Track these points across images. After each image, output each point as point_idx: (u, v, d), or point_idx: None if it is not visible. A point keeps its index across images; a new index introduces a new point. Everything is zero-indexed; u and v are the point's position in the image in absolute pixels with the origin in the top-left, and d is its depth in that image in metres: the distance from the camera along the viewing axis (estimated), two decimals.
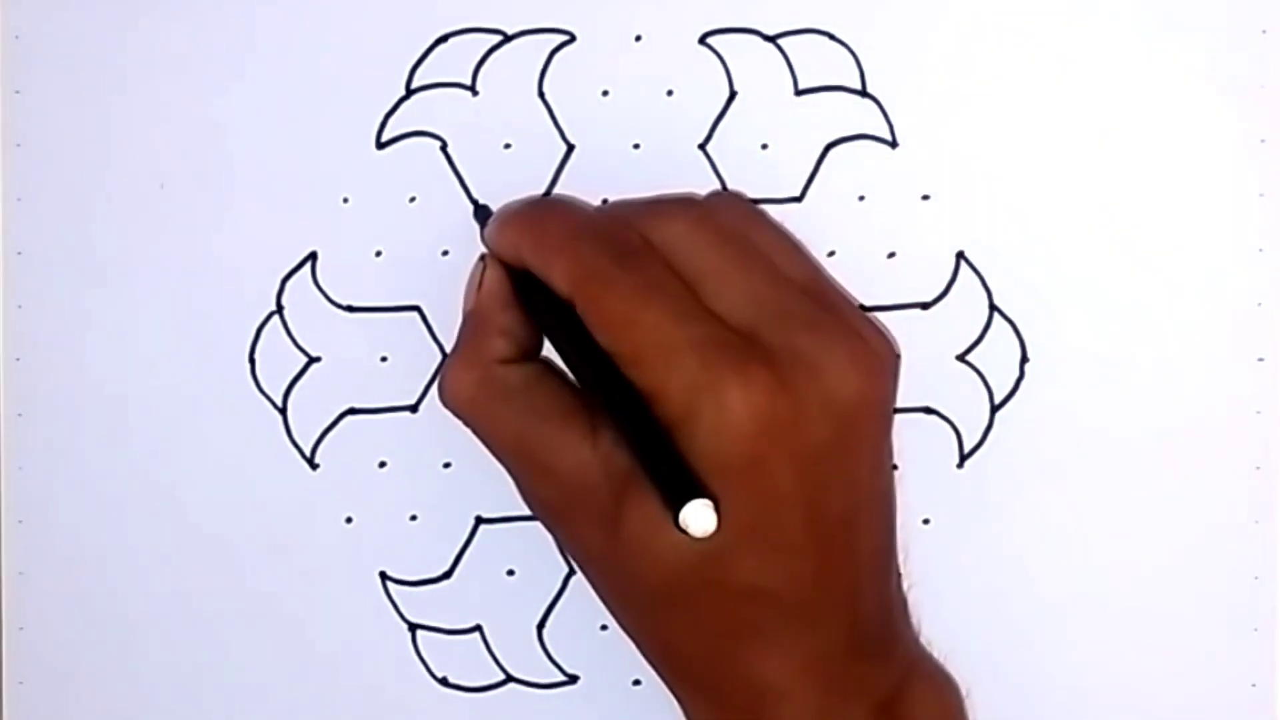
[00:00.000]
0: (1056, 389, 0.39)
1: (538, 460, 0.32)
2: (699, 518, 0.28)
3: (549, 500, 0.33)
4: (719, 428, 0.29)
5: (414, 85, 0.40)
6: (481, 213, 0.37)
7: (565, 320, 0.31)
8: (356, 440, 0.40)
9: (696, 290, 0.30)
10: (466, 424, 0.33)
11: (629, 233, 0.31)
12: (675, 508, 0.28)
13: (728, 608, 0.30)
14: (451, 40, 0.40)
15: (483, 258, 0.34)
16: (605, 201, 0.38)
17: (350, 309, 0.40)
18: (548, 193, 0.40)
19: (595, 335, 0.30)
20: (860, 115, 0.40)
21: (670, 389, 0.29)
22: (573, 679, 0.40)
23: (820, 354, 0.30)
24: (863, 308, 0.39)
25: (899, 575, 0.34)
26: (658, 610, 0.31)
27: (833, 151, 0.40)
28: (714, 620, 0.30)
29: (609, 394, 0.30)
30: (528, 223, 0.33)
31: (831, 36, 0.40)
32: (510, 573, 0.40)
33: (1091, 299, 0.39)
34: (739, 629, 0.30)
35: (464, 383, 0.33)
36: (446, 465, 0.40)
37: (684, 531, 0.28)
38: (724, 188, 0.40)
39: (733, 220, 0.32)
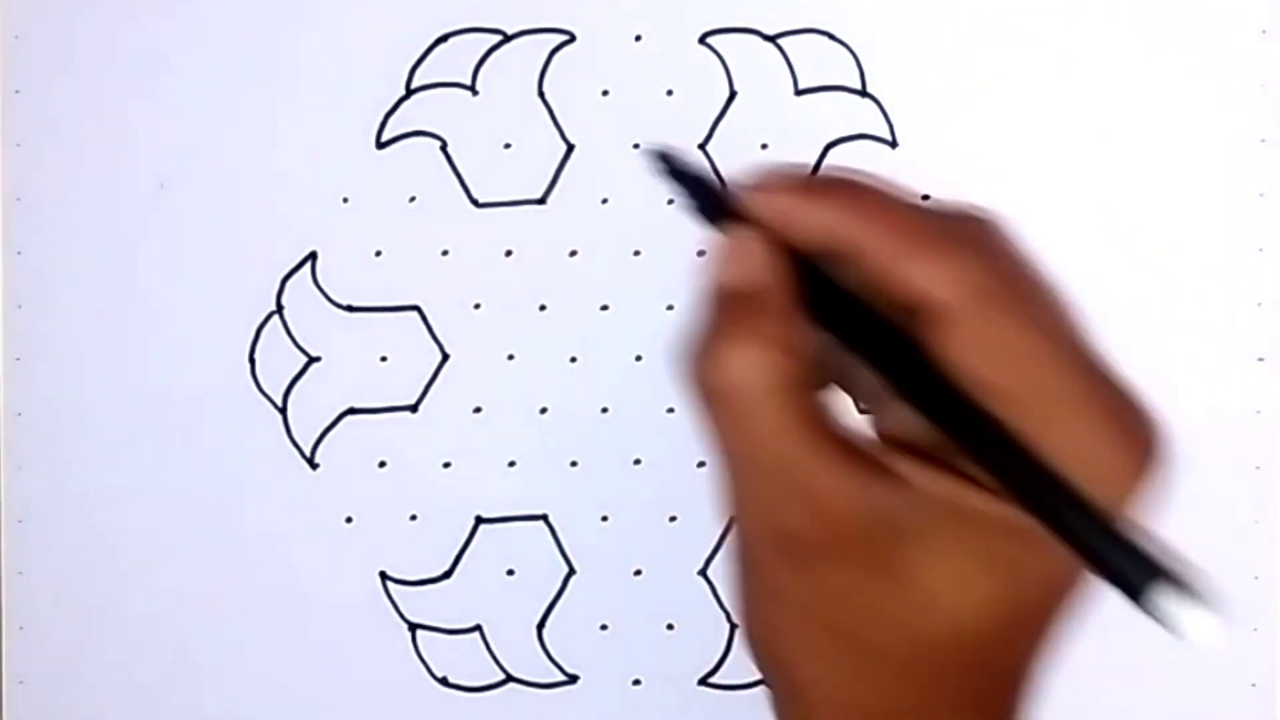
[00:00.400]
0: None
1: (804, 483, 0.25)
2: (1203, 627, 0.22)
3: (799, 529, 0.25)
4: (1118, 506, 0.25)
5: (414, 85, 0.40)
6: (675, 163, 0.28)
7: (878, 331, 0.25)
8: (356, 440, 0.40)
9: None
10: (728, 418, 0.25)
11: (995, 246, 0.26)
12: (1139, 588, 0.24)
13: (972, 680, 0.27)
14: (451, 40, 0.40)
15: (729, 229, 0.26)
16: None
17: (350, 309, 0.40)
18: (547, 193, 0.40)
19: (964, 358, 0.24)
20: (860, 115, 0.40)
21: (1067, 447, 0.25)
22: (573, 679, 0.40)
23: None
24: None
25: None
26: (912, 665, 0.26)
27: (833, 151, 0.40)
28: (949, 683, 0.27)
29: (971, 431, 0.25)
30: (868, 203, 0.25)
31: (831, 36, 0.40)
32: (510, 572, 0.40)
33: (1092, 298, 0.39)
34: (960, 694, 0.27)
35: (759, 368, 0.25)
36: (446, 465, 0.40)
37: (1160, 620, 0.23)
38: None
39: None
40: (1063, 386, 0.25)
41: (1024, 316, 0.25)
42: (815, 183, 0.26)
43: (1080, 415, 0.25)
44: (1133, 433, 0.26)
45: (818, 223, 0.25)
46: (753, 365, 0.25)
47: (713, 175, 0.29)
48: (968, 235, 0.26)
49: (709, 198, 0.27)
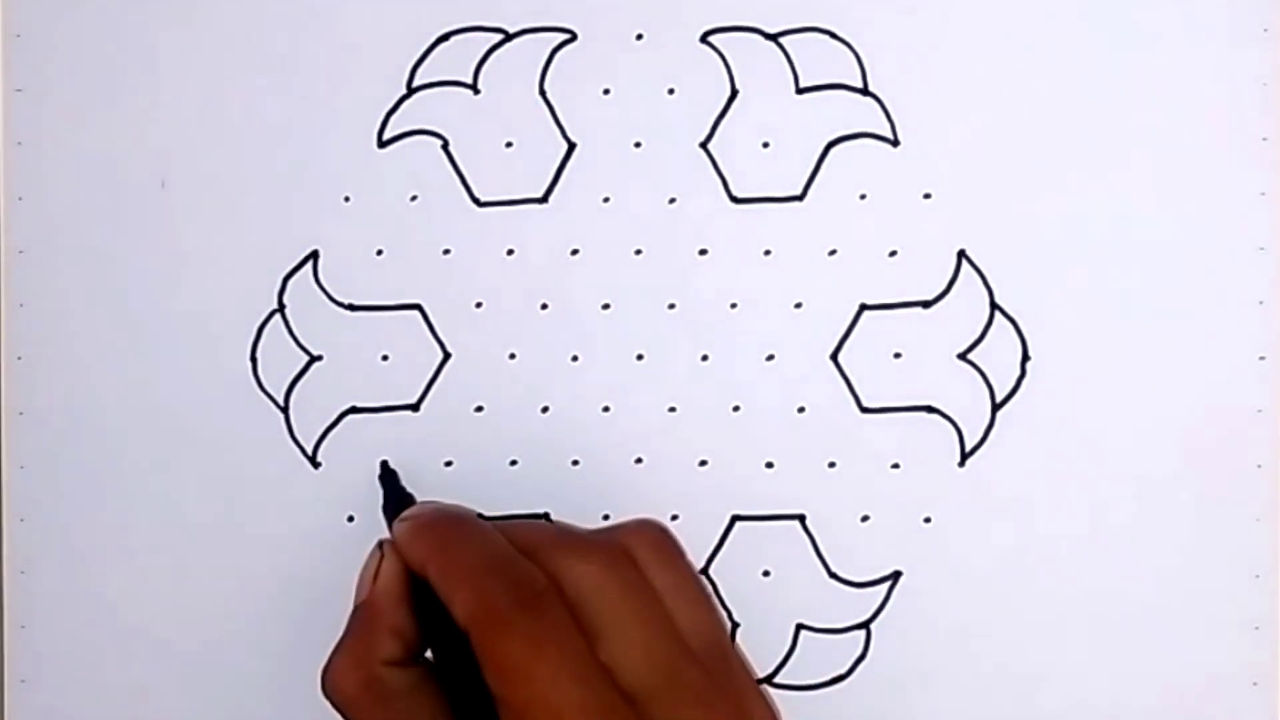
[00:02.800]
0: (1058, 388, 0.39)
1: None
2: None
3: None
4: None
5: (415, 84, 0.40)
6: (388, 476, 0.38)
7: (455, 643, 0.31)
8: (358, 439, 0.40)
9: (596, 642, 0.30)
10: (345, 718, 0.33)
11: (536, 574, 0.31)
12: None
13: None
14: (453, 39, 0.40)
15: (380, 545, 0.34)
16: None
17: (352, 307, 0.40)
18: (548, 192, 0.40)
19: (485, 674, 0.30)
20: (862, 114, 0.40)
21: None
22: None
23: None
24: (863, 307, 0.40)
25: None
26: None
27: (834, 150, 0.40)
28: None
29: None
30: (439, 542, 0.32)
31: (833, 35, 0.40)
32: None
33: (1093, 298, 0.39)
34: None
35: (349, 680, 0.32)
36: (448, 464, 0.40)
37: None
38: (725, 187, 0.40)
39: (647, 563, 0.32)
40: (551, 699, 0.29)
41: (523, 636, 0.30)
42: (424, 519, 0.34)
43: None
44: None
45: (414, 556, 0.33)
46: (349, 681, 0.32)
47: (408, 499, 0.36)
48: (499, 563, 0.31)
49: (389, 515, 0.35)
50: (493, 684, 0.30)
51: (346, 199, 0.40)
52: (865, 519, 0.40)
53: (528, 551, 0.32)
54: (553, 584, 0.31)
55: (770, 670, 0.40)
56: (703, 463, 0.40)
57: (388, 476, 0.38)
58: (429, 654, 0.33)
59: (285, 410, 0.40)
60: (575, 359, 0.40)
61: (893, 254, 0.40)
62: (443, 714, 0.32)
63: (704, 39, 0.40)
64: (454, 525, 0.33)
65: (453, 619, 0.31)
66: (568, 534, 0.33)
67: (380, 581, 0.33)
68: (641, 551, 0.32)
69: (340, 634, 0.33)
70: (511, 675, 0.29)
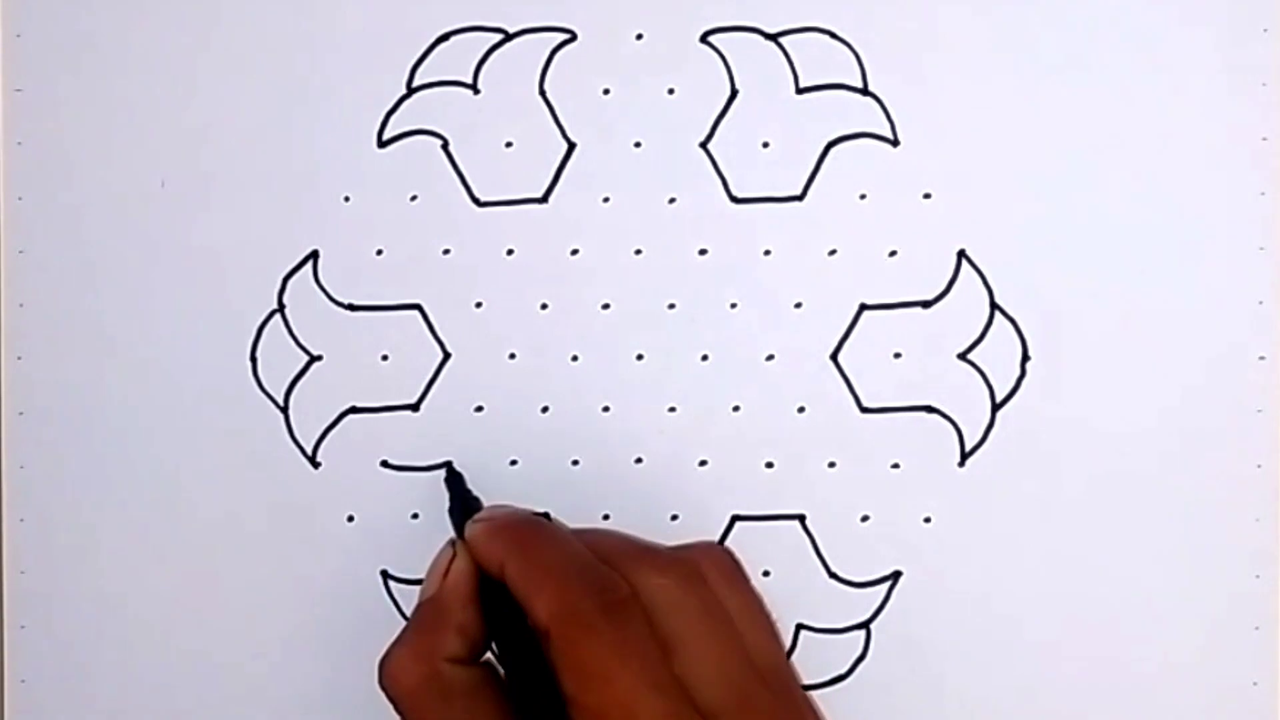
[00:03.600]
0: (1058, 388, 0.39)
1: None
2: None
3: None
4: None
5: (415, 84, 0.40)
6: (454, 478, 0.37)
7: (526, 643, 0.31)
8: (358, 439, 0.40)
9: (671, 655, 0.30)
10: (400, 712, 0.33)
11: (619, 581, 0.31)
12: None
13: None
14: (453, 39, 0.40)
15: (452, 543, 0.34)
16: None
17: (351, 307, 0.40)
18: (548, 192, 0.40)
19: (561, 676, 0.30)
20: (861, 113, 0.40)
21: None
22: None
23: None
24: (863, 307, 0.40)
25: None
26: None
27: (834, 150, 0.40)
28: None
29: None
30: (519, 541, 0.32)
31: (833, 35, 0.40)
32: None
33: (1092, 297, 0.39)
34: None
35: (410, 674, 0.32)
36: (447, 464, 0.40)
37: None
38: (725, 187, 0.40)
39: (716, 583, 0.32)
40: (630, 706, 0.29)
41: (607, 641, 0.30)
42: (502, 521, 0.34)
43: None
44: None
45: (491, 555, 0.33)
46: (410, 674, 0.32)
47: (474, 501, 0.36)
48: (581, 566, 0.31)
49: (459, 519, 0.35)
50: (569, 686, 0.30)
51: (346, 199, 0.40)
52: (865, 519, 0.40)
53: (604, 560, 0.32)
54: (634, 592, 0.31)
55: None
56: (703, 463, 0.40)
57: (454, 479, 0.37)
58: (490, 655, 0.33)
59: (285, 410, 0.40)
60: (575, 359, 0.40)
61: (892, 254, 0.40)
62: (501, 715, 0.32)
63: (704, 39, 0.40)
64: (534, 528, 0.33)
65: (526, 620, 0.31)
66: (642, 546, 0.33)
67: (451, 579, 0.33)
68: (710, 572, 0.32)
69: (399, 629, 0.33)
70: (591, 678, 0.29)
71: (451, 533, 0.35)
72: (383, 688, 0.32)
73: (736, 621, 0.32)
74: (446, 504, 0.36)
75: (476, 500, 0.36)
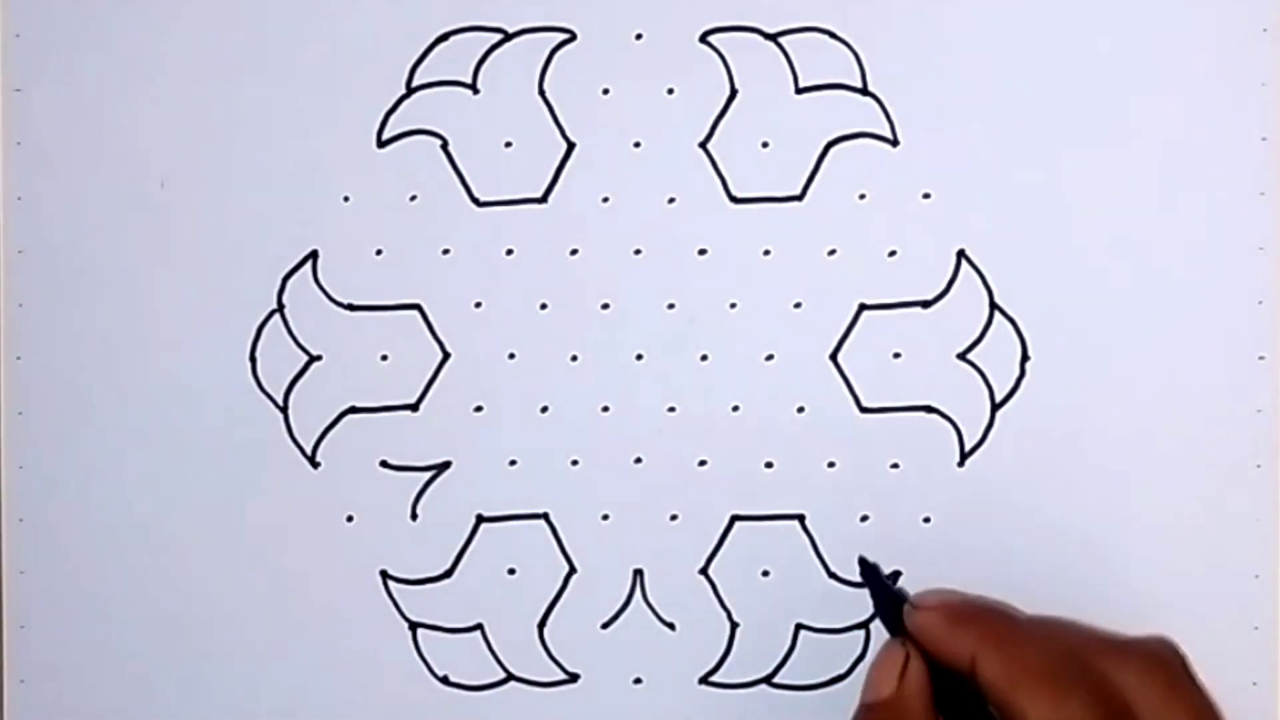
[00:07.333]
0: (1057, 387, 0.39)
1: None
2: None
3: None
4: None
5: (415, 83, 0.40)
6: (870, 571, 0.33)
7: None
8: (357, 439, 0.40)
9: None
10: None
11: (1113, 688, 0.30)
12: None
13: None
14: (452, 39, 0.40)
15: (901, 640, 0.31)
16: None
17: (351, 307, 0.40)
18: (548, 192, 0.40)
19: None
20: (861, 113, 0.40)
21: None
22: (573, 677, 0.40)
23: None
24: (863, 307, 0.40)
25: None
26: None
27: (833, 150, 0.40)
28: None
29: None
30: (996, 636, 0.30)
31: (832, 35, 0.40)
32: (511, 571, 0.40)
33: (1092, 297, 0.39)
34: None
35: None
36: (447, 464, 0.40)
37: None
38: (725, 187, 0.40)
39: (1174, 679, 0.31)
40: None
41: None
42: (962, 609, 0.31)
43: None
44: None
45: (960, 648, 0.30)
46: None
47: (900, 592, 0.33)
48: (1074, 669, 0.30)
49: (888, 611, 0.32)
50: None
51: (346, 199, 0.40)
52: (865, 519, 0.40)
53: (1071, 653, 0.31)
54: (1123, 698, 0.30)
55: (770, 670, 0.40)
56: (702, 463, 0.40)
57: (870, 572, 0.33)
58: None
59: (285, 410, 0.40)
60: (575, 359, 0.40)
61: (892, 254, 0.40)
62: None
63: (703, 39, 0.40)
64: (1004, 619, 0.31)
65: (987, 713, 0.30)
66: (1103, 638, 0.32)
67: (910, 680, 0.31)
68: (1165, 667, 0.31)
69: None
70: None
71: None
72: None
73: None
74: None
75: (904, 592, 0.33)
